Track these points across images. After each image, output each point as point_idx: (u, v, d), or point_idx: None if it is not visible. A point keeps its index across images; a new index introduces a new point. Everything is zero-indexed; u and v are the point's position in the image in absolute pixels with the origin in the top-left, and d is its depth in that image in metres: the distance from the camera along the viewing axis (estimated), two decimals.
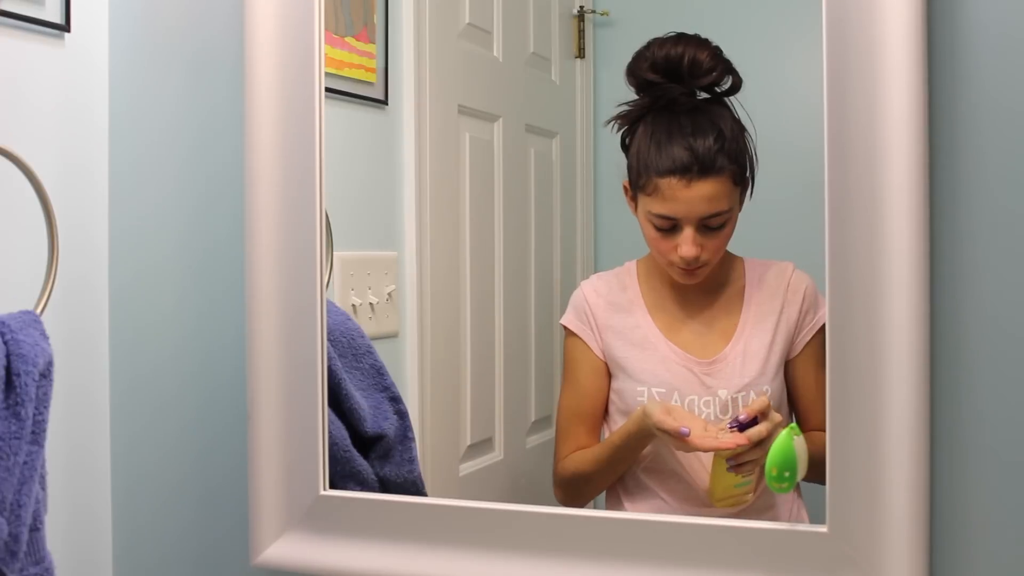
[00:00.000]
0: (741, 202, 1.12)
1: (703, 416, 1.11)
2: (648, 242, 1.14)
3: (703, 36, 1.11)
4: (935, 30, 0.93)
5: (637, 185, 1.13)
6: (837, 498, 0.94)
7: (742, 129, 1.11)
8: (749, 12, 1.19)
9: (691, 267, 1.11)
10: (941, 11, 0.93)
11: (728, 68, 1.11)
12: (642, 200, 1.12)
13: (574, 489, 1.21)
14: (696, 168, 1.08)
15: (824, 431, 0.95)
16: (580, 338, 1.19)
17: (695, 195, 1.09)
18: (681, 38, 1.11)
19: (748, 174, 1.12)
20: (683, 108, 1.11)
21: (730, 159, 1.09)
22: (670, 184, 1.09)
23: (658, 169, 1.10)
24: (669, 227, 1.11)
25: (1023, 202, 0.92)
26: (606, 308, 1.18)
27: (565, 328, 1.20)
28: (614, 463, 1.17)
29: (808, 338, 1.10)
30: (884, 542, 0.92)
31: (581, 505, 1.21)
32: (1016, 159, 0.92)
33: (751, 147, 1.11)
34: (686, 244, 1.09)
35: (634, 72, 1.13)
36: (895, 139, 0.91)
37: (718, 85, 1.12)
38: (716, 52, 1.11)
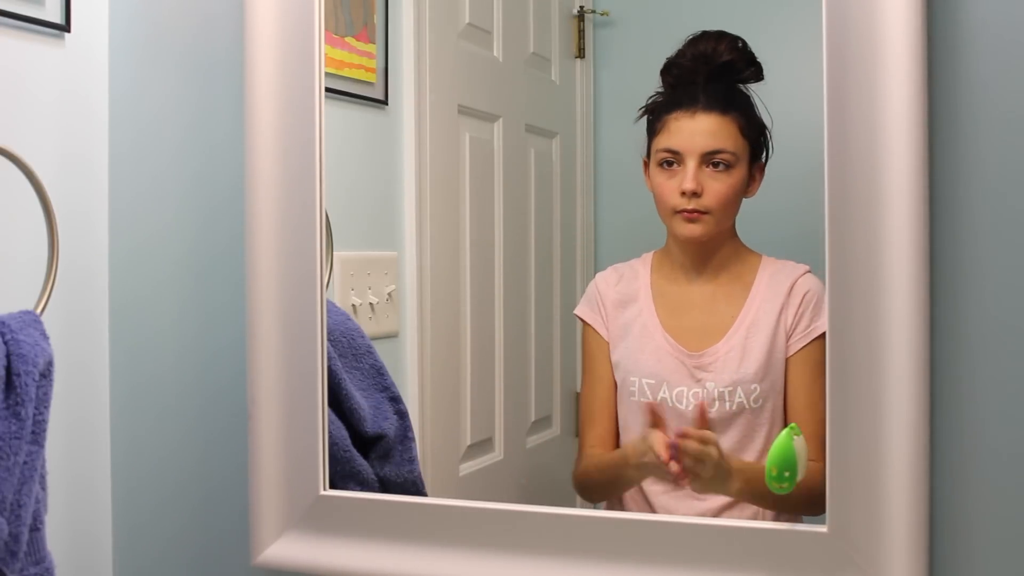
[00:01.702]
0: (752, 165, 1.13)
1: (690, 408, 1.13)
2: (655, 193, 1.16)
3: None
4: (935, 30, 0.93)
5: (652, 132, 1.17)
6: (837, 498, 0.94)
7: (756, 110, 1.14)
8: (749, 11, 1.19)
9: (692, 208, 1.12)
10: (941, 11, 0.93)
11: (746, 57, 1.15)
12: (653, 145, 1.17)
13: (585, 490, 1.23)
14: (702, 103, 1.14)
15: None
16: (592, 327, 1.21)
17: (698, 127, 1.14)
18: (709, 33, 1.16)
19: (760, 139, 1.14)
20: (700, 81, 1.16)
21: (737, 108, 1.14)
22: (676, 118, 1.15)
23: (667, 108, 1.17)
24: (673, 162, 1.14)
25: (1023, 201, 0.92)
26: (615, 300, 1.20)
27: (579, 319, 1.22)
28: (618, 482, 1.19)
29: (801, 344, 1.11)
30: (884, 542, 0.92)
31: (594, 503, 1.23)
32: (1016, 158, 0.92)
33: (767, 133, 1.14)
34: (687, 178, 1.12)
35: (668, 67, 1.17)
36: (895, 139, 0.91)
37: (737, 71, 1.14)
38: (736, 43, 1.15)
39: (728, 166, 1.13)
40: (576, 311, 1.23)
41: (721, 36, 1.15)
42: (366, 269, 1.26)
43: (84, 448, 1.27)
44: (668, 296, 1.18)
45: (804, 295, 1.12)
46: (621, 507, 1.18)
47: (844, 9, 0.92)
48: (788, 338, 1.12)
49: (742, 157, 1.13)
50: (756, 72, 1.15)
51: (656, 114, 1.17)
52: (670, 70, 1.17)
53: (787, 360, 1.12)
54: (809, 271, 1.12)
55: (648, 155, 1.17)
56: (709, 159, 1.13)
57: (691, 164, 1.13)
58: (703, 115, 1.14)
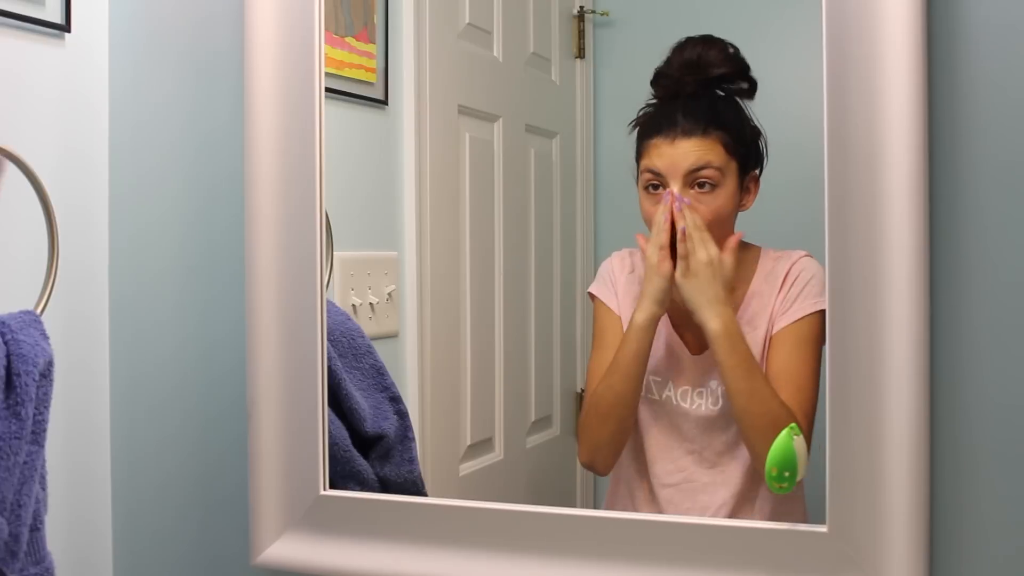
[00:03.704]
0: (743, 178, 1.12)
1: (695, 406, 1.13)
2: (643, 216, 1.15)
3: (718, 36, 1.13)
4: (935, 29, 0.93)
5: (637, 153, 1.16)
6: (837, 498, 0.94)
7: (747, 120, 1.12)
8: (749, 10, 1.19)
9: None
10: (941, 10, 0.93)
11: (740, 68, 1.13)
12: (639, 167, 1.15)
13: (589, 429, 1.20)
14: (680, 128, 1.12)
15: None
16: (603, 302, 1.20)
17: (678, 151, 1.12)
18: (694, 39, 1.14)
19: (746, 151, 1.12)
20: (687, 94, 1.14)
21: (720, 126, 1.12)
22: (656, 144, 1.13)
23: (647, 133, 1.15)
24: (657, 185, 1.12)
25: (1022, 200, 0.92)
26: (628, 279, 1.19)
27: (591, 296, 1.22)
28: (622, 375, 1.16)
29: (786, 322, 1.10)
30: (884, 542, 0.92)
31: (603, 460, 1.20)
32: (1016, 157, 0.92)
33: (762, 145, 1.13)
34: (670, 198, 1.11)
35: (656, 77, 1.16)
36: (895, 139, 0.91)
37: (729, 82, 1.13)
38: (727, 49, 1.13)
39: (714, 185, 1.11)
40: (589, 289, 1.22)
41: (709, 41, 1.13)
42: (366, 269, 1.26)
43: (84, 448, 1.27)
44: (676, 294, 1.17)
45: (795, 279, 1.11)
46: (628, 491, 1.18)
47: (844, 7, 0.92)
48: (773, 321, 1.11)
49: (728, 173, 1.12)
50: (749, 88, 1.13)
51: (640, 136, 1.16)
52: (659, 81, 1.15)
53: (770, 339, 1.11)
54: (806, 255, 1.11)
55: (637, 176, 1.16)
56: (693, 179, 1.11)
57: (675, 186, 1.11)
58: (682, 140, 1.12)
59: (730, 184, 1.12)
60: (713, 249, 1.09)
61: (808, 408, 1.06)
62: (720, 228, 1.11)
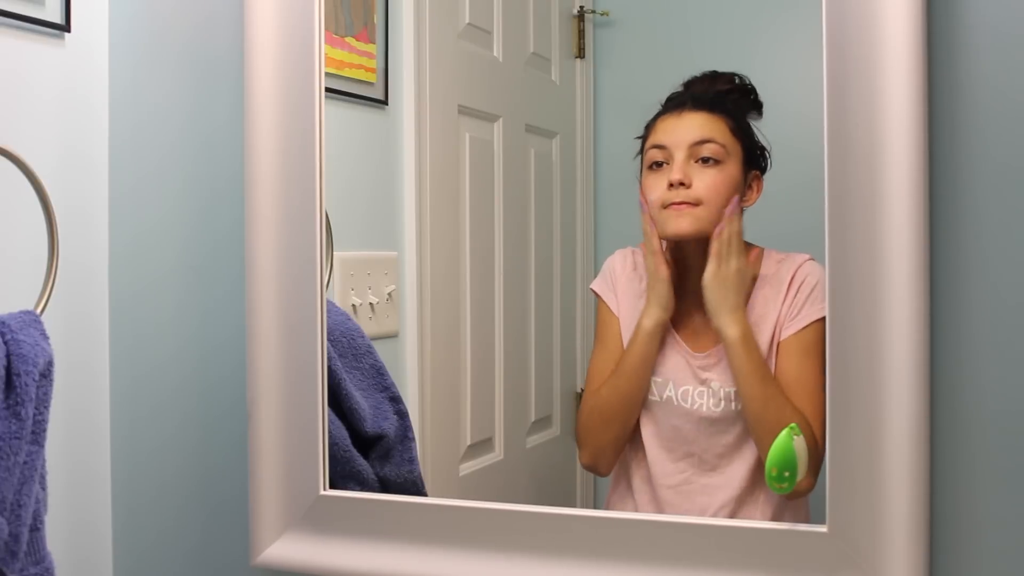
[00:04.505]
0: (747, 172, 1.12)
1: (696, 407, 1.13)
2: (644, 195, 1.15)
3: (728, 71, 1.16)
4: (935, 29, 0.93)
5: (642, 144, 1.16)
6: (837, 498, 0.94)
7: (751, 128, 1.14)
8: (749, 10, 1.19)
9: (681, 200, 1.12)
10: (941, 10, 0.93)
11: (745, 90, 1.14)
12: (645, 147, 1.16)
13: (592, 432, 1.21)
14: (689, 103, 1.15)
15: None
16: (603, 300, 1.20)
17: (684, 123, 1.14)
18: (700, 76, 1.16)
19: (751, 142, 1.13)
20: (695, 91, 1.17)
21: (725, 110, 1.13)
22: (664, 120, 1.16)
23: (654, 119, 1.16)
24: (661, 160, 1.13)
25: (1022, 200, 0.92)
26: (629, 278, 1.19)
27: (594, 292, 1.22)
28: (628, 379, 1.17)
29: (791, 331, 1.11)
30: (884, 542, 0.92)
31: (605, 462, 1.20)
32: (1016, 158, 0.92)
33: (766, 156, 1.13)
34: (675, 169, 1.12)
35: (667, 102, 1.17)
36: (895, 139, 0.91)
37: (731, 98, 1.14)
38: (734, 76, 1.15)
39: (718, 161, 1.12)
40: (591, 285, 1.22)
41: (718, 75, 1.15)
42: (366, 269, 1.26)
43: (84, 448, 1.27)
44: (677, 293, 1.16)
45: (800, 284, 1.11)
46: (629, 492, 1.18)
47: (844, 8, 0.92)
48: (780, 327, 1.12)
49: (733, 154, 1.12)
50: (754, 104, 1.14)
51: (647, 126, 1.17)
52: (669, 104, 1.17)
53: (777, 344, 1.11)
54: (810, 259, 1.11)
55: (640, 147, 1.16)
56: (697, 152, 1.12)
57: (679, 156, 1.12)
58: (690, 113, 1.14)
59: (733, 166, 1.12)
60: (744, 260, 1.11)
61: (820, 414, 1.06)
62: (722, 208, 1.11)
